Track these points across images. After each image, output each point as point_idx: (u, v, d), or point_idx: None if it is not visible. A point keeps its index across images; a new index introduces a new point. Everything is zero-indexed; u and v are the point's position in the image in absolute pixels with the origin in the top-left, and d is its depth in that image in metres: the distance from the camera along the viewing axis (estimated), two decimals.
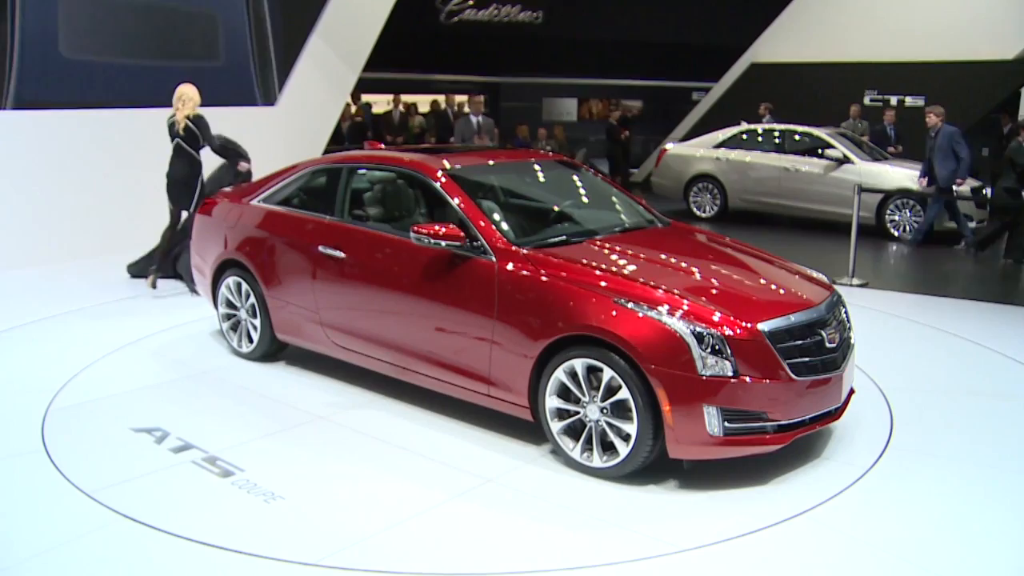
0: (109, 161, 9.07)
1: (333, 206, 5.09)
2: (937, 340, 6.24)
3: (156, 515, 3.54)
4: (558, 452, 4.07)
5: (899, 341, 6.23)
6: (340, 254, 4.88)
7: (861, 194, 8.44)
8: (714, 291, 4.03)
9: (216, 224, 5.72)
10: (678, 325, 3.69)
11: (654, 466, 3.86)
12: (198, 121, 7.08)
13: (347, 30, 11.76)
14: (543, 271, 4.08)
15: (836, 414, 4.13)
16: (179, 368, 5.47)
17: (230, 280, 5.58)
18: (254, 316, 5.46)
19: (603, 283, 3.94)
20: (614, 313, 3.78)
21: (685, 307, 3.77)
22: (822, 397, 3.95)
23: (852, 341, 4.32)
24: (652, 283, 3.94)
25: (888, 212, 10.68)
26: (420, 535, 3.43)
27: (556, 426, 4.01)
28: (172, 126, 7.13)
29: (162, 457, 4.13)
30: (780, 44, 15.94)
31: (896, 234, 10.60)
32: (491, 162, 5.25)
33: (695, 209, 12.51)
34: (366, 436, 4.40)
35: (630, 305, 3.79)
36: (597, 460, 3.89)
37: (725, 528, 3.48)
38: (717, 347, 3.67)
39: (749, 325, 3.75)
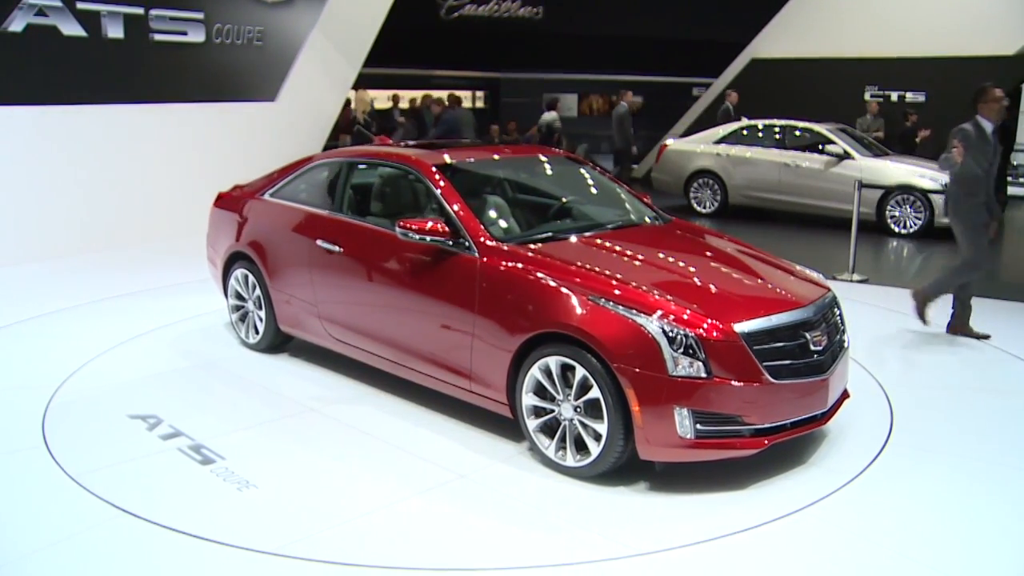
0: (114, 155, 9.07)
1: (333, 201, 5.13)
2: (938, 336, 6.24)
3: (130, 499, 3.58)
4: (535, 450, 4.04)
5: (899, 337, 6.24)
6: (336, 248, 4.90)
7: (861, 190, 8.46)
8: (696, 290, 3.95)
9: (228, 217, 5.80)
10: (649, 324, 3.61)
11: (629, 468, 3.80)
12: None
13: (347, 25, 11.75)
14: (522, 267, 4.04)
15: (822, 419, 3.99)
16: (188, 358, 5.53)
17: (238, 272, 5.64)
18: (260, 308, 5.50)
19: (578, 280, 3.87)
20: (586, 311, 3.73)
21: (660, 307, 3.68)
22: (805, 402, 3.82)
23: (845, 344, 4.20)
24: (632, 282, 3.87)
25: (889, 208, 10.69)
26: (383, 528, 3.42)
27: (532, 423, 3.97)
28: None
29: (151, 443, 4.18)
30: (780, 40, 15.93)
31: (897, 230, 10.61)
32: (495, 156, 5.25)
33: (695, 205, 12.52)
34: (351, 428, 4.42)
35: (603, 303, 3.73)
36: (570, 459, 3.84)
37: (690, 532, 3.39)
38: (690, 348, 3.57)
39: (724, 326, 3.65)
